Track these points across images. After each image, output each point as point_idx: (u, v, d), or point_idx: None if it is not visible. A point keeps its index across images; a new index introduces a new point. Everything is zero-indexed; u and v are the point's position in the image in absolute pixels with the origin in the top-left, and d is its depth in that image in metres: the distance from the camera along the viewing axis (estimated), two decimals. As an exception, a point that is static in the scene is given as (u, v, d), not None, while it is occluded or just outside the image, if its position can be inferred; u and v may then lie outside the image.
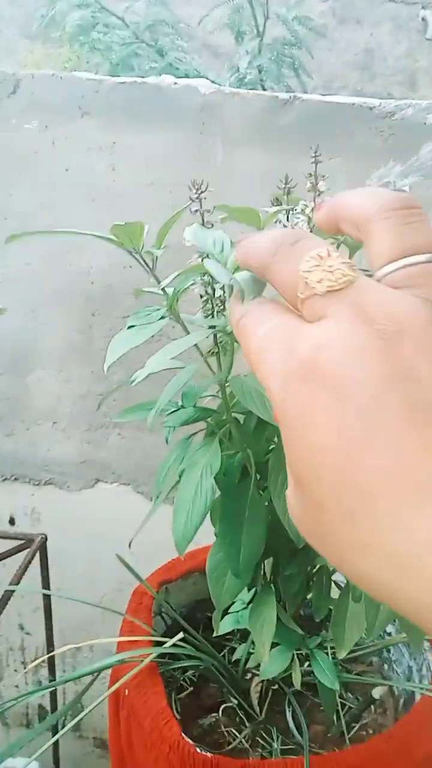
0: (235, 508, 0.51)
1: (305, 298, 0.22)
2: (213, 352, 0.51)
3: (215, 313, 0.49)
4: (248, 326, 0.26)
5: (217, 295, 0.49)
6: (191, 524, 0.47)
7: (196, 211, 0.49)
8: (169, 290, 0.48)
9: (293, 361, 0.22)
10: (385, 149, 0.82)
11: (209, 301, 0.49)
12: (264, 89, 1.23)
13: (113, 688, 0.57)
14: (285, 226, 0.60)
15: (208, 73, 1.43)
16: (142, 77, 0.87)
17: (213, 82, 0.89)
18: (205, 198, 0.49)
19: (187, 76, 1.21)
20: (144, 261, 0.48)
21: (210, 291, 0.48)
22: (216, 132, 0.85)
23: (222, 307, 0.49)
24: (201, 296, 0.49)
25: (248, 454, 0.52)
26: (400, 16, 2.92)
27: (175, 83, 0.85)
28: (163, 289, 0.49)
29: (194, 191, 0.49)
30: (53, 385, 1.00)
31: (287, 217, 0.60)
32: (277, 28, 1.40)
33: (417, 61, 2.94)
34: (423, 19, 2.81)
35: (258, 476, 0.52)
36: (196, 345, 0.49)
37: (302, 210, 0.57)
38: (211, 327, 0.49)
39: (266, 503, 0.52)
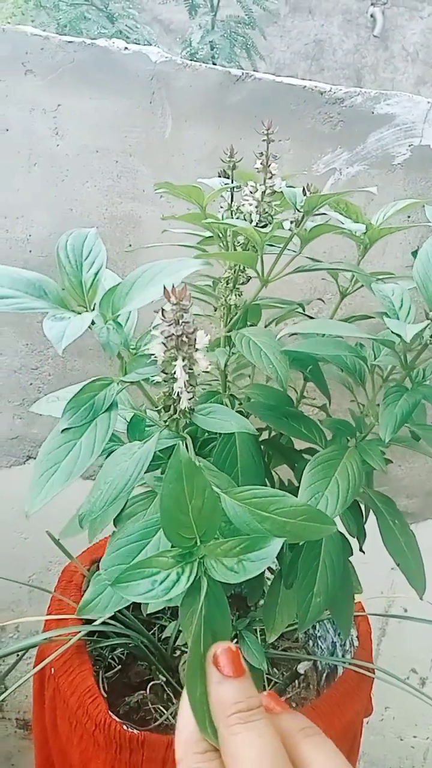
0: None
1: None
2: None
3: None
4: None
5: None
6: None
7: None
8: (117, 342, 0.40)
9: None
10: (333, 136, 0.83)
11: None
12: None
13: (39, 667, 0.56)
14: (230, 205, 0.59)
15: (158, 44, 1.39)
16: (92, 39, 0.83)
17: (164, 52, 0.86)
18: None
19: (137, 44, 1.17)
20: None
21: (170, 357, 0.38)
22: (166, 103, 0.82)
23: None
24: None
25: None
26: (351, 11, 2.94)
27: (126, 48, 0.82)
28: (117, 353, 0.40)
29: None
30: (-16, 356, 0.96)
31: (231, 195, 0.59)
32: (232, 6, 1.38)
33: (364, 57, 2.98)
34: (372, 15, 2.85)
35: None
36: (146, 394, 0.44)
37: (251, 192, 0.55)
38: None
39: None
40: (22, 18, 1.26)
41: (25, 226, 0.87)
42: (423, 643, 1.14)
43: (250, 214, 0.55)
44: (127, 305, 0.38)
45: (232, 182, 0.57)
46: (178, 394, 0.40)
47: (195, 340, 0.37)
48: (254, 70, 1.32)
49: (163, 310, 0.37)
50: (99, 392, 0.40)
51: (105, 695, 0.63)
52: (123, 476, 0.39)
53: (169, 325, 0.36)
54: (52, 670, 0.56)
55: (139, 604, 0.68)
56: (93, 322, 0.38)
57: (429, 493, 1.03)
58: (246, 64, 1.31)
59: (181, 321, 0.36)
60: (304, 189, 0.53)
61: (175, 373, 0.38)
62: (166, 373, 0.39)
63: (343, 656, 0.65)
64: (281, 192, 0.53)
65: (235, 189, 0.58)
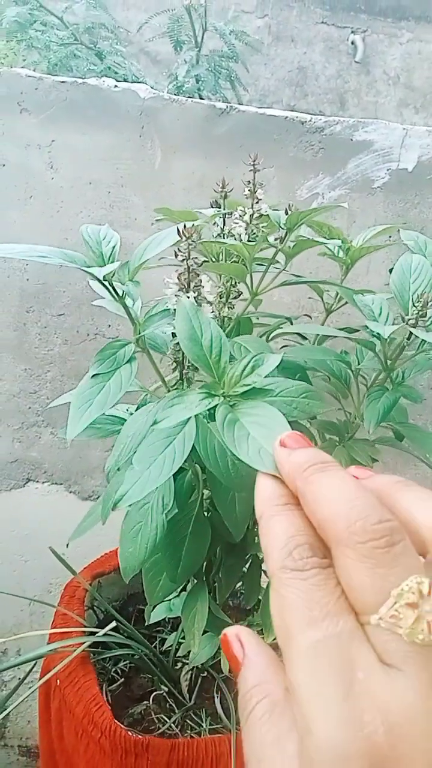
0: (180, 523, 0.51)
1: (384, 627, 0.20)
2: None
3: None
4: (294, 606, 0.21)
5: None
6: (138, 555, 0.46)
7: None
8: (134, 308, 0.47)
9: (359, 736, 0.18)
10: (315, 162, 0.87)
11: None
12: (201, 98, 1.26)
13: (45, 678, 0.57)
14: (222, 229, 0.63)
15: (145, 79, 1.45)
16: (83, 78, 0.88)
17: (152, 88, 0.91)
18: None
19: (126, 81, 1.23)
20: (114, 291, 0.46)
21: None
22: (155, 136, 0.87)
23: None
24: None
25: (197, 470, 0.52)
26: (332, 38, 3.05)
27: (116, 86, 0.86)
28: (129, 314, 0.47)
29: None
30: (-16, 382, 0.98)
31: (224, 221, 0.63)
32: (215, 40, 1.44)
33: (346, 82, 3.08)
34: (352, 42, 2.95)
35: (204, 492, 0.52)
36: (154, 365, 0.49)
37: (240, 216, 0.60)
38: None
39: (208, 513, 0.52)
40: (14, 58, 1.31)
41: (22, 256, 0.91)
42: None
43: (240, 236, 0.60)
44: (141, 261, 0.45)
45: (224, 210, 0.61)
46: None
47: (201, 279, 0.44)
48: (239, 102, 1.37)
49: (178, 249, 0.43)
50: (119, 349, 0.46)
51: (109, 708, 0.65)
52: (143, 427, 0.44)
53: (182, 260, 0.43)
54: (58, 681, 0.58)
55: (141, 618, 0.70)
56: (112, 286, 0.45)
57: (421, 502, 1.05)
58: (230, 94, 1.37)
59: (191, 256, 0.43)
60: (286, 209, 0.57)
61: None
62: None
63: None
64: (267, 215, 0.58)
65: (226, 215, 0.62)
